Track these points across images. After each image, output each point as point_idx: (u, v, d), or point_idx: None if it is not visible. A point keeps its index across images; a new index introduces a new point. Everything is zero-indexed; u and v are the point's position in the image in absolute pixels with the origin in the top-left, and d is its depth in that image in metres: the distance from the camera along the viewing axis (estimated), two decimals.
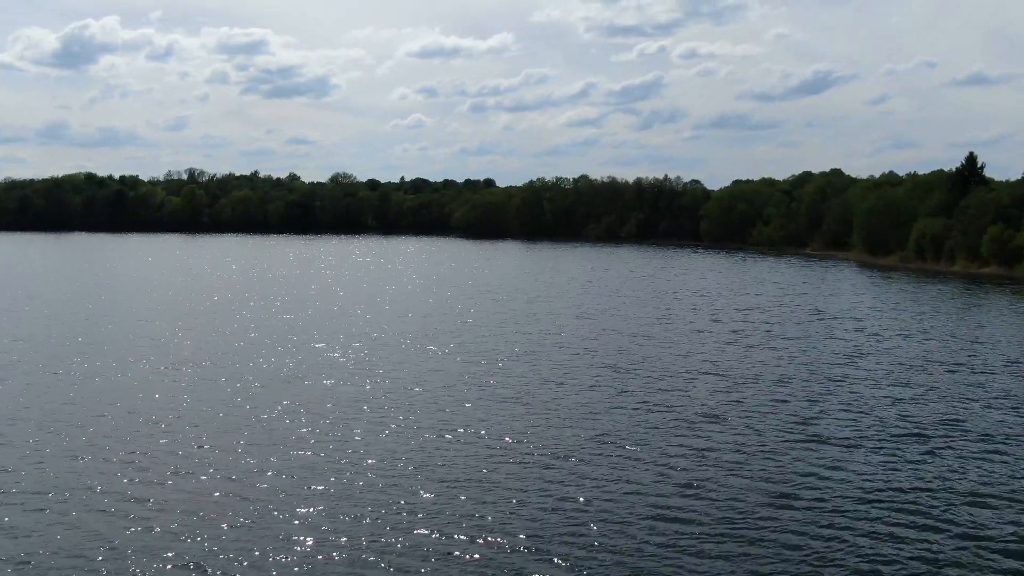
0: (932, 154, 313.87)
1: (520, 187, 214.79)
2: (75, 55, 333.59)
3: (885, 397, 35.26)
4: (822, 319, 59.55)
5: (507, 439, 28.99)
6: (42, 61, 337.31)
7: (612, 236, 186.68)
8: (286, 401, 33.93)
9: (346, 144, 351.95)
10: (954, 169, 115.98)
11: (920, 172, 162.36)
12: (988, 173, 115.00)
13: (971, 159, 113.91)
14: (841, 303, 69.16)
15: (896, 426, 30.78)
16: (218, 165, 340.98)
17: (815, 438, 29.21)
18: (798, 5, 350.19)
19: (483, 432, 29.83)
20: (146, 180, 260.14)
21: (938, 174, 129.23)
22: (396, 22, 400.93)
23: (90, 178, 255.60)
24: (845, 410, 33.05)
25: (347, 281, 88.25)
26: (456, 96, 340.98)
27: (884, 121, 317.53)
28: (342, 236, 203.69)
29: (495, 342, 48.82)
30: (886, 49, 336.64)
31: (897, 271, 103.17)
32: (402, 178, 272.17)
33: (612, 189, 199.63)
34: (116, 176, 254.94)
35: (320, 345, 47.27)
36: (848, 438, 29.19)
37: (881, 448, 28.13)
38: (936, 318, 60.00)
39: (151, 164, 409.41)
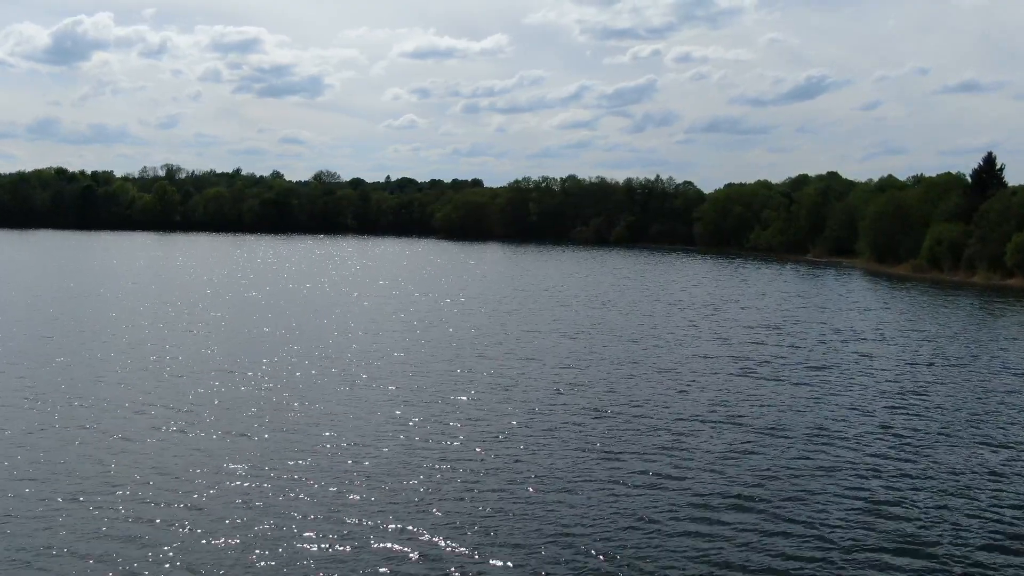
0: (923, 160, 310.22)
1: (505, 187, 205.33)
2: (67, 51, 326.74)
3: (992, 473, 25.64)
4: (846, 341, 50.40)
5: (442, 534, 19.72)
6: (33, 57, 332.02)
7: (601, 239, 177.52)
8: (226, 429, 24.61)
9: (338, 144, 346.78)
10: (970, 171, 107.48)
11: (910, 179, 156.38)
12: None
13: (989, 160, 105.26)
14: (865, 320, 60.00)
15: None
16: (209, 164, 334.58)
17: (908, 544, 19.91)
18: (792, 10, 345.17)
19: (399, 527, 20.50)
20: (121, 176, 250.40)
21: (946, 176, 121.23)
22: (390, 22, 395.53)
23: (60, 173, 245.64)
24: (939, 502, 23.32)
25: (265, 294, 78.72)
26: (449, 97, 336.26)
27: (876, 127, 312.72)
28: (318, 236, 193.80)
29: (447, 371, 39.44)
30: (879, 55, 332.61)
31: (911, 281, 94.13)
32: (387, 177, 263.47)
33: (601, 190, 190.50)
34: (88, 172, 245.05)
35: (226, 376, 37.90)
36: (962, 554, 19.89)
37: None
38: (991, 343, 50.69)
39: (142, 162, 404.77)
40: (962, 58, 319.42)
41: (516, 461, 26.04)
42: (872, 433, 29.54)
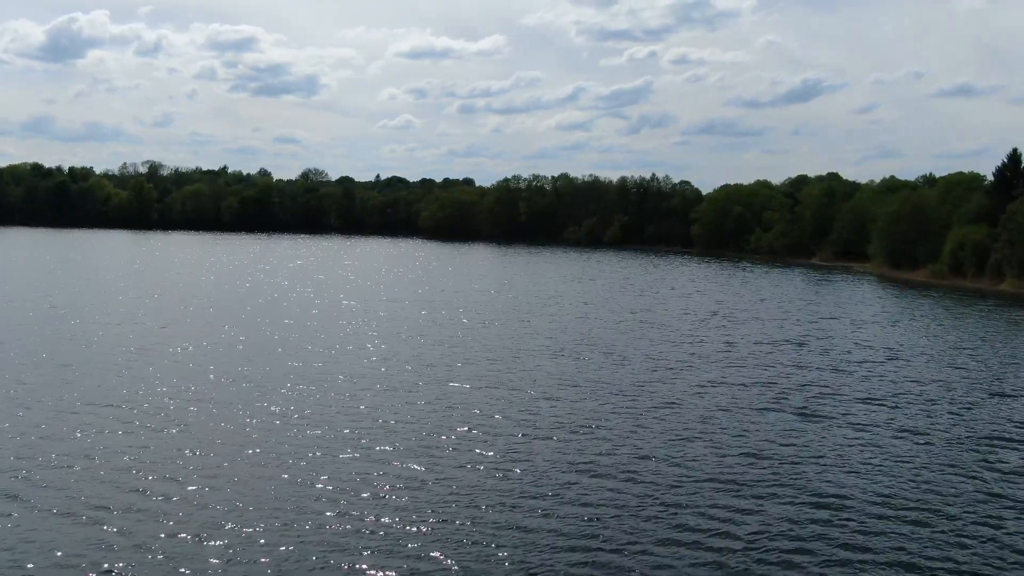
0: (917, 164, 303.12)
1: (494, 186, 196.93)
2: (62, 49, 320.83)
3: None
4: (888, 362, 42.30)
5: None
6: (28, 54, 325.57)
7: (594, 240, 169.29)
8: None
9: (333, 144, 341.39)
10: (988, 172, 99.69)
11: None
12: None
13: (1014, 157, 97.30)
14: (902, 335, 51.64)
15: None
16: (203, 163, 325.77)
17: None
18: (789, 13, 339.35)
19: None
20: (100, 173, 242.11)
21: (959, 175, 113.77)
22: (387, 22, 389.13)
23: (36, 169, 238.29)
24: None
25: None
26: (445, 97, 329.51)
27: (871, 130, 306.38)
28: (300, 236, 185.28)
29: (397, 405, 31.31)
30: (875, 58, 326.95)
31: (932, 288, 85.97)
32: (377, 176, 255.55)
33: (594, 189, 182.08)
34: (66, 168, 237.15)
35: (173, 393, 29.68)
36: None
37: None
38: None
39: (136, 160, 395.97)
40: (958, 62, 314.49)
41: (477, 562, 17.96)
42: (997, 516, 21.40)
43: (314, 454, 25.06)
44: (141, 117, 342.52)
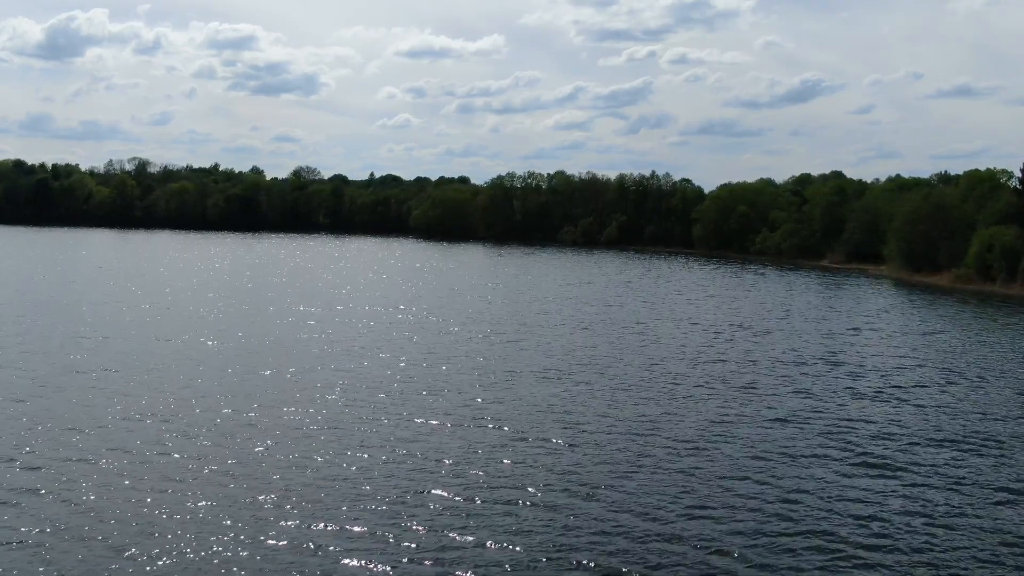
0: (916, 164, 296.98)
1: (487, 184, 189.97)
2: (60, 47, 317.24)
3: None
4: (945, 385, 35.54)
5: None
6: (27, 52, 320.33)
7: (591, 241, 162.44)
8: None
9: (331, 143, 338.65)
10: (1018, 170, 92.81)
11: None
12: None
13: None
14: (955, 350, 44.55)
15: None
16: (201, 162, 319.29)
17: None
18: (788, 14, 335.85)
19: None
20: (86, 170, 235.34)
21: (975, 173, 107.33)
22: (386, 21, 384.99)
23: (19, 165, 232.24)
24: None
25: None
26: (444, 97, 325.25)
27: (869, 131, 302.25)
28: (284, 235, 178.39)
29: (354, 448, 24.57)
30: (873, 59, 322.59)
31: (960, 293, 78.81)
32: (371, 174, 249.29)
33: (591, 188, 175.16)
34: (49, 165, 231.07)
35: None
36: None
37: None
38: None
39: (130, 159, 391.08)
40: (956, 63, 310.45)
41: None
42: None
43: (264, 490, 18.32)
44: (139, 116, 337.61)
